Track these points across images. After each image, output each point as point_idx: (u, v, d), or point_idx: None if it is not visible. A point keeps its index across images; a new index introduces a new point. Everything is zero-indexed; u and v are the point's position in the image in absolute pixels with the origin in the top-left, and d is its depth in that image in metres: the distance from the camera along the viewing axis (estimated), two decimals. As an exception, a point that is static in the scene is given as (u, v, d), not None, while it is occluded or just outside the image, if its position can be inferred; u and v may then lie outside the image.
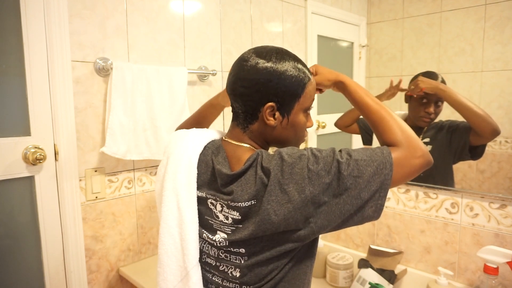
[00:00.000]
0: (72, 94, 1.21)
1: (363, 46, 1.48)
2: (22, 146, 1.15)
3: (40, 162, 1.16)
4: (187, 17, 1.53)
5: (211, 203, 0.75)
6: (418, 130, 1.22)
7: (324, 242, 1.33)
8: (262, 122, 0.75)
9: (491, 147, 1.13)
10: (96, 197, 1.30)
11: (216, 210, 0.75)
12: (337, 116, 1.54)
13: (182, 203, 0.76)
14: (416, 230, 1.15)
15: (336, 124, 1.45)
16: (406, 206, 1.16)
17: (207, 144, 0.82)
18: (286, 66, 0.73)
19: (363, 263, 1.18)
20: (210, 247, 0.75)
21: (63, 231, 1.24)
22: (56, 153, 1.21)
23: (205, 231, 0.76)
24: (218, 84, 1.62)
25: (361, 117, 1.39)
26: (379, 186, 0.65)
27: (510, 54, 1.10)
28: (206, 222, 0.76)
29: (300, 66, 0.75)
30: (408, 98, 1.23)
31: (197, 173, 0.78)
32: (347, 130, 1.41)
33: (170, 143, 0.84)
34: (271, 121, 0.74)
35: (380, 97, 1.32)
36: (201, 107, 1.02)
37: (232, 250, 0.71)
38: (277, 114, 0.74)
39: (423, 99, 1.18)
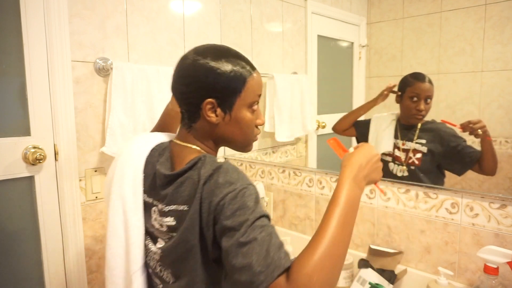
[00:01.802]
0: (72, 94, 1.22)
1: (363, 46, 1.48)
2: (22, 146, 1.15)
3: (40, 162, 1.16)
4: (187, 17, 1.53)
5: (153, 209, 0.75)
6: (411, 128, 1.26)
7: (324, 242, 1.32)
8: (204, 120, 0.74)
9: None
10: (96, 197, 1.30)
11: (154, 216, 0.74)
12: (337, 116, 1.54)
13: (127, 206, 0.76)
14: (416, 230, 1.15)
15: (334, 129, 1.49)
16: (406, 206, 1.16)
17: (155, 146, 0.82)
18: (224, 62, 0.72)
19: (363, 263, 1.18)
20: (151, 256, 0.75)
21: (63, 231, 1.24)
22: (56, 153, 1.21)
23: (148, 238, 0.76)
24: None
25: (358, 119, 1.41)
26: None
27: (510, 54, 1.10)
28: (148, 229, 0.76)
29: (240, 61, 0.74)
30: (399, 98, 1.26)
31: (144, 176, 0.78)
32: (345, 134, 1.45)
33: (121, 148, 0.84)
34: (212, 117, 0.73)
35: (376, 99, 1.33)
36: (160, 117, 1.02)
37: (163, 265, 0.72)
38: (218, 110, 0.73)
39: (413, 98, 1.21)
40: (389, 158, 1.29)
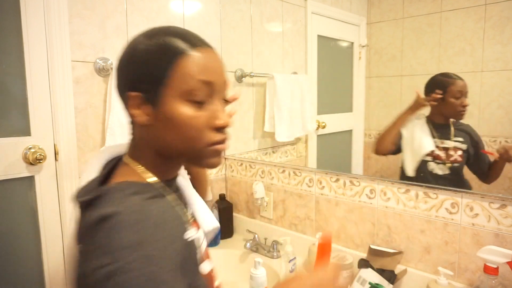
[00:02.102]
0: (72, 94, 1.22)
1: (363, 46, 1.48)
2: (22, 146, 1.15)
3: (40, 162, 1.16)
4: (187, 17, 1.53)
5: None
6: (445, 127, 1.24)
7: (324, 242, 1.33)
8: (136, 124, 0.58)
9: (491, 147, 1.13)
10: (96, 197, 1.30)
11: None
12: (337, 116, 1.53)
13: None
14: (416, 230, 1.15)
15: (378, 152, 1.38)
16: (406, 206, 1.16)
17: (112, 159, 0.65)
18: (143, 40, 0.55)
19: (363, 263, 1.18)
20: None
21: (63, 231, 1.24)
22: (56, 153, 1.21)
23: None
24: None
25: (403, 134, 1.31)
26: None
27: (510, 54, 1.10)
28: None
29: (174, 37, 0.55)
30: (440, 100, 1.23)
31: None
32: (389, 154, 1.36)
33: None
34: (137, 116, 0.55)
35: (412, 108, 1.30)
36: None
37: None
38: (147, 107, 0.55)
39: (457, 95, 1.20)
40: (428, 158, 1.27)
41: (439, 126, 1.26)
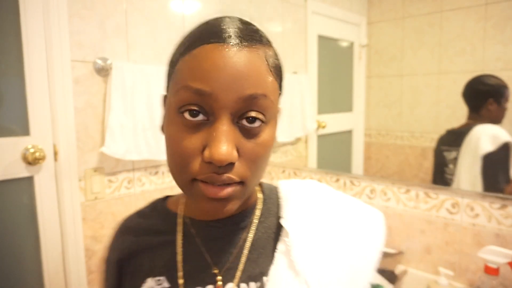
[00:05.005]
0: (72, 94, 1.21)
1: (363, 46, 1.48)
2: (21, 146, 1.14)
3: (40, 162, 1.16)
4: (187, 17, 1.52)
5: None
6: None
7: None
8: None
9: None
10: (96, 197, 1.30)
11: None
12: (338, 116, 1.53)
13: None
14: (416, 230, 1.15)
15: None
16: (407, 206, 1.16)
17: None
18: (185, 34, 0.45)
19: (363, 264, 1.17)
20: None
21: (62, 232, 1.24)
22: (55, 153, 1.21)
23: None
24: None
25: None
26: None
27: (510, 54, 1.09)
28: None
29: (208, 26, 0.42)
30: (495, 103, 1.13)
31: None
32: None
33: None
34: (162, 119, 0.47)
35: None
36: None
37: None
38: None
39: (500, 101, 1.11)
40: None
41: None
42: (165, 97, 0.45)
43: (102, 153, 1.26)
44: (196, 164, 0.39)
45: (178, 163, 0.41)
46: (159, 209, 0.53)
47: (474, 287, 1.00)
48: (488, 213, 1.01)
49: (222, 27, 0.40)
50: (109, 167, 1.32)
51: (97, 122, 1.28)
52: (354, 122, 1.57)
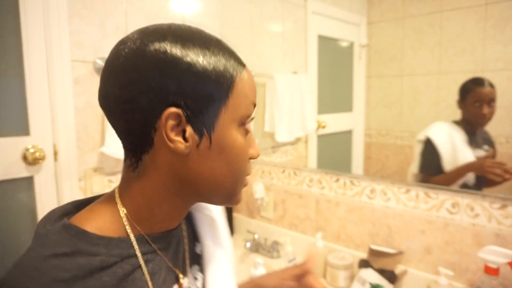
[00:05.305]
0: (72, 94, 1.21)
1: (364, 46, 1.48)
2: (21, 146, 1.14)
3: (40, 162, 1.16)
4: (187, 17, 1.52)
5: None
6: (475, 134, 1.19)
7: (324, 242, 1.32)
8: (162, 150, 0.43)
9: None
10: (96, 197, 1.30)
11: None
12: (338, 116, 1.53)
13: None
14: (416, 230, 1.15)
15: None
16: (407, 206, 1.16)
17: None
18: (197, 47, 0.43)
19: (363, 263, 1.17)
20: None
21: (62, 231, 1.24)
22: (55, 153, 1.21)
23: None
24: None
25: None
26: None
27: (510, 54, 1.09)
28: None
29: (223, 49, 0.45)
30: (462, 104, 1.20)
31: None
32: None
33: None
34: (179, 143, 0.42)
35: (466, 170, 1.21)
36: None
37: None
38: (188, 129, 0.43)
39: (475, 103, 1.16)
40: None
41: (469, 134, 1.20)
42: (173, 116, 0.42)
43: (102, 153, 1.26)
44: (249, 165, 0.50)
45: (241, 169, 0.48)
46: (89, 246, 0.41)
47: (474, 287, 1.00)
48: (488, 213, 1.01)
49: (236, 55, 0.48)
50: (109, 167, 1.32)
51: (97, 122, 1.28)
52: (354, 122, 1.57)
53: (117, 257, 0.42)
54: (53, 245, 0.40)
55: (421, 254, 1.14)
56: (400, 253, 1.17)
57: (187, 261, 0.54)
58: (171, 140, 0.42)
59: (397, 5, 1.34)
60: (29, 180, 1.18)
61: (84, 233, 0.41)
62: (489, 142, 1.17)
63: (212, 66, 0.43)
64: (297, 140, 1.69)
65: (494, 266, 0.92)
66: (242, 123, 0.47)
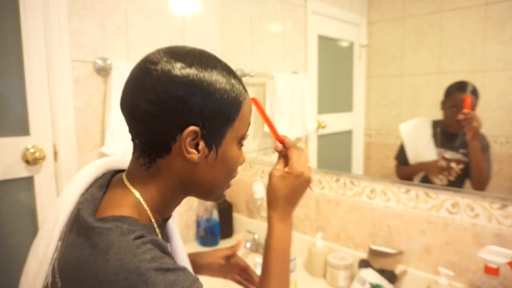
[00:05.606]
0: (72, 94, 1.21)
1: (364, 46, 1.48)
2: (21, 146, 1.14)
3: (40, 162, 1.16)
4: (187, 17, 1.52)
5: None
6: (454, 136, 1.21)
7: (324, 242, 1.32)
8: (178, 157, 0.54)
9: (491, 147, 1.13)
10: (96, 197, 1.30)
11: None
12: (337, 116, 1.53)
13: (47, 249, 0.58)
14: (416, 230, 1.15)
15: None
16: (407, 206, 1.16)
17: (103, 174, 0.63)
18: (216, 75, 0.53)
19: (363, 263, 1.17)
20: None
21: (62, 232, 1.24)
22: (55, 153, 1.21)
23: None
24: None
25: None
26: None
27: (510, 54, 1.09)
28: None
29: (233, 77, 0.56)
30: (443, 105, 1.22)
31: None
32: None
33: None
34: (193, 154, 0.53)
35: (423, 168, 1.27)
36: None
37: None
38: (201, 144, 0.54)
39: (453, 108, 1.18)
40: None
41: (448, 135, 1.22)
42: (193, 133, 0.53)
43: (102, 153, 1.26)
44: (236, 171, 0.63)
45: (233, 175, 0.62)
46: (142, 225, 0.53)
47: (474, 287, 1.00)
48: (488, 213, 1.01)
49: (240, 79, 0.59)
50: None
51: (97, 122, 1.28)
52: (354, 122, 1.57)
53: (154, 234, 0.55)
54: (128, 232, 0.48)
55: (421, 254, 1.14)
56: (400, 253, 1.17)
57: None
58: (188, 152, 0.53)
59: (397, 5, 1.34)
60: (29, 180, 1.18)
61: (137, 222, 0.52)
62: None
63: (227, 95, 0.54)
64: (297, 140, 1.69)
65: (494, 266, 0.92)
66: (241, 139, 0.59)
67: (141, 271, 0.44)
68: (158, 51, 0.54)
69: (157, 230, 0.56)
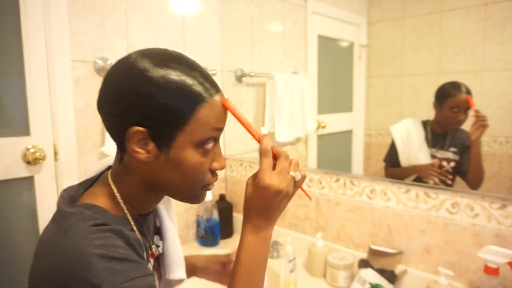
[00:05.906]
0: (72, 94, 1.21)
1: (363, 46, 1.48)
2: (22, 146, 1.14)
3: (40, 162, 1.16)
4: (187, 17, 1.52)
5: None
6: (444, 135, 1.23)
7: (324, 242, 1.33)
8: (131, 155, 0.55)
9: (491, 147, 1.13)
10: (96, 197, 1.30)
11: None
12: (338, 116, 1.53)
13: None
14: (416, 230, 1.15)
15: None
16: (406, 206, 1.16)
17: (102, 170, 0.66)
18: (168, 74, 0.51)
19: (363, 263, 1.17)
20: None
21: (62, 231, 1.24)
22: (55, 153, 1.21)
23: None
24: (218, 84, 1.62)
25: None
26: None
27: (510, 54, 1.09)
28: None
29: (195, 74, 0.54)
30: (438, 106, 1.24)
31: None
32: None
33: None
34: (140, 154, 0.53)
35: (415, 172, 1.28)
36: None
37: None
38: (150, 145, 0.53)
39: (453, 108, 1.19)
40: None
41: (437, 134, 1.25)
42: (138, 133, 0.52)
43: (102, 153, 1.26)
44: (208, 175, 0.58)
45: (196, 180, 0.57)
46: (112, 215, 0.56)
47: (474, 287, 1.00)
48: (488, 213, 1.01)
49: (209, 77, 0.56)
50: (109, 167, 1.32)
51: (97, 122, 1.28)
52: (354, 122, 1.57)
53: (126, 228, 0.55)
54: (89, 218, 0.51)
55: (421, 254, 1.14)
56: (400, 253, 1.17)
57: (152, 233, 0.69)
58: (134, 151, 0.54)
59: (397, 5, 1.34)
60: (29, 180, 1.18)
61: (105, 211, 0.55)
62: (462, 144, 1.19)
63: (178, 96, 0.51)
64: (297, 140, 1.69)
65: (494, 266, 0.92)
66: (201, 145, 0.55)
67: (85, 255, 0.46)
68: (137, 50, 0.55)
69: (132, 223, 0.58)
